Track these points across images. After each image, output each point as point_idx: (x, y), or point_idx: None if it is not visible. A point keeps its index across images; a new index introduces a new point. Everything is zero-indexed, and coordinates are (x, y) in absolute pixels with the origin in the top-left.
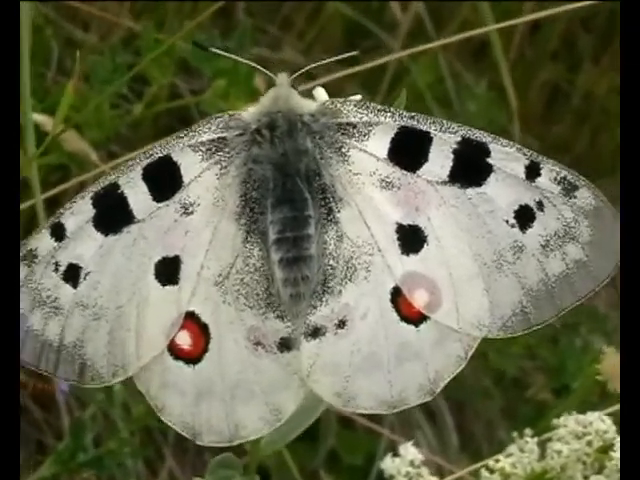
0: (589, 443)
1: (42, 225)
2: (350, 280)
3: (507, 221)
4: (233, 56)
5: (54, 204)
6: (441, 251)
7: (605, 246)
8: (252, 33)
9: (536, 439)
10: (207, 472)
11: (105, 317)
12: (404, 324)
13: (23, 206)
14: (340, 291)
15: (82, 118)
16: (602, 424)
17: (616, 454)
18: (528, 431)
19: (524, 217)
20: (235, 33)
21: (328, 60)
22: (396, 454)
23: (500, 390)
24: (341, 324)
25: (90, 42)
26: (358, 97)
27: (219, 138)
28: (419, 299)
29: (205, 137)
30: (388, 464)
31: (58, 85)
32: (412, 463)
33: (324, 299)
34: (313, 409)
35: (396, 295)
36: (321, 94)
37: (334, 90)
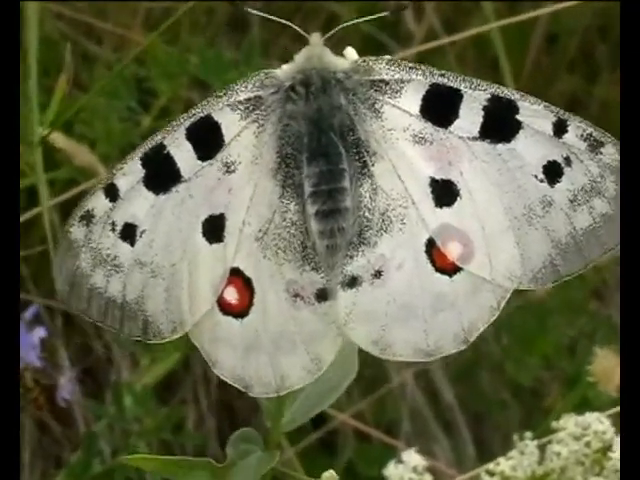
0: (588, 444)
1: (96, 186)
2: (385, 232)
3: (536, 176)
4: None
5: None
6: (473, 205)
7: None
8: (263, 45)
9: (536, 442)
10: (227, 445)
11: (161, 275)
12: (438, 275)
13: (29, 215)
14: (376, 242)
15: (92, 132)
16: (601, 425)
17: (615, 455)
18: (528, 434)
19: (552, 172)
20: (243, 45)
21: (357, 20)
22: (400, 461)
23: (518, 401)
24: (377, 274)
25: (104, 57)
26: (388, 57)
27: (255, 97)
28: (453, 251)
29: (242, 96)
30: (391, 471)
31: (72, 98)
32: (415, 469)
33: (360, 250)
34: (334, 389)
35: (430, 247)
36: (352, 54)
37: None
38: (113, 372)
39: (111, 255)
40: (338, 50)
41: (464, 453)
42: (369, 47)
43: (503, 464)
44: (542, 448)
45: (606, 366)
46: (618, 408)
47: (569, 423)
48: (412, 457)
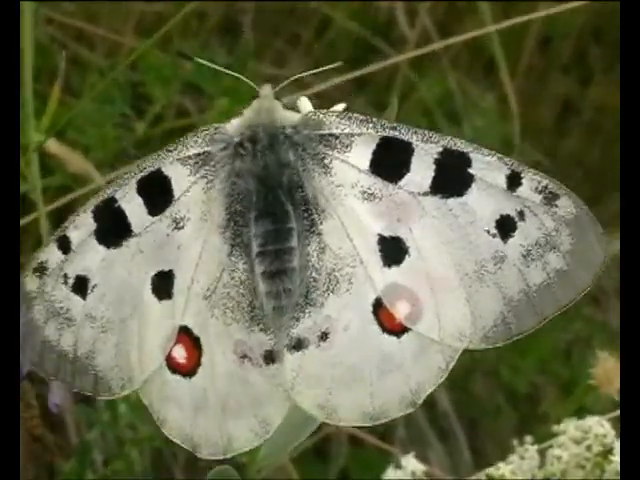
0: (588, 448)
1: (49, 238)
2: (332, 292)
3: (488, 231)
4: (219, 67)
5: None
6: (422, 262)
7: (585, 255)
8: (256, 49)
9: (536, 446)
10: None
11: (111, 330)
12: (386, 336)
13: (23, 222)
14: (322, 303)
15: (86, 139)
16: (601, 428)
17: (615, 458)
18: (529, 438)
19: (505, 227)
20: (237, 49)
21: (307, 73)
22: (398, 466)
23: (513, 407)
24: (323, 336)
25: (94, 62)
26: (342, 106)
27: (204, 152)
28: (401, 311)
29: (192, 151)
30: (390, 476)
31: (65, 105)
32: (414, 474)
33: (306, 311)
34: (311, 421)
35: (378, 307)
36: (305, 105)
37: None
38: None
39: (63, 308)
40: (330, 61)
41: (459, 459)
42: (363, 51)
43: (503, 468)
44: (542, 452)
45: (607, 369)
46: (618, 412)
47: (569, 427)
48: (410, 462)
